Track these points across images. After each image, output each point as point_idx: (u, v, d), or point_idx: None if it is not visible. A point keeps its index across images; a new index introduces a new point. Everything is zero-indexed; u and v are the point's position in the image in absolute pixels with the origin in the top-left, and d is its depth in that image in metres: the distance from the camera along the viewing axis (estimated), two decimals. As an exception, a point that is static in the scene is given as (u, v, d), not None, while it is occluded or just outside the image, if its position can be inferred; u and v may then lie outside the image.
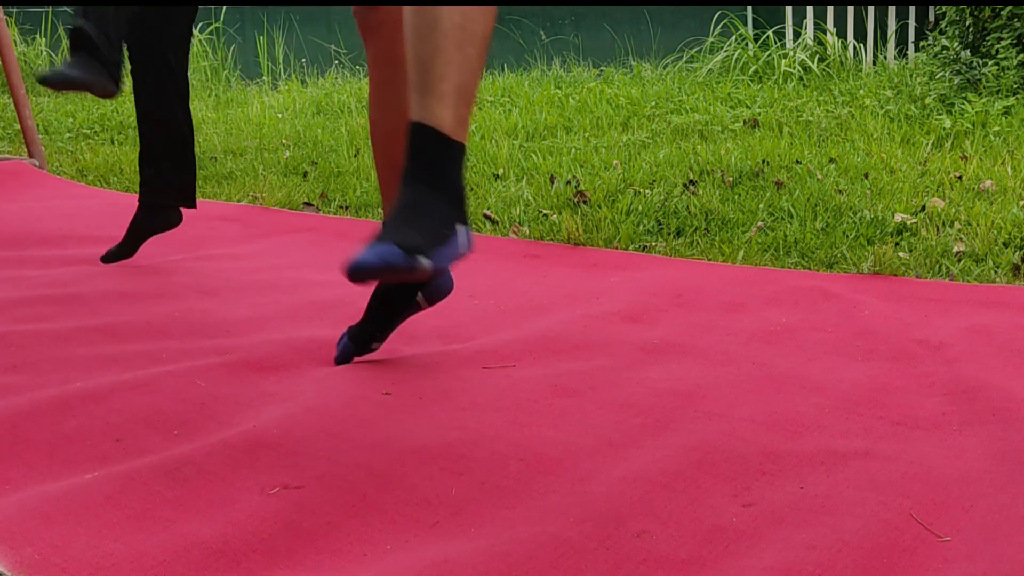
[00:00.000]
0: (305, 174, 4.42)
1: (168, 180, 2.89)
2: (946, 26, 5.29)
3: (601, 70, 6.82)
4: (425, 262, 1.42)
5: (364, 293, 2.63)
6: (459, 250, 1.55)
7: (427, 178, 1.50)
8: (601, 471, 1.54)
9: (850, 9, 6.53)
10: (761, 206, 3.31)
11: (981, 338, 2.12)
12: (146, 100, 2.82)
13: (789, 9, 6.39)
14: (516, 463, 1.56)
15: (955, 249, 2.78)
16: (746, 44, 6.18)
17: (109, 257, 2.90)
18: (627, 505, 1.43)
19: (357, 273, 1.38)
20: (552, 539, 1.33)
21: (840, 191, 3.41)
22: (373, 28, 1.93)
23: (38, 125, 5.61)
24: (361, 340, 2.04)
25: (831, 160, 3.91)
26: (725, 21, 6.49)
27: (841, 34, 6.40)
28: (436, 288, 2.03)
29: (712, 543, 1.34)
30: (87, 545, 1.31)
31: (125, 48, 2.68)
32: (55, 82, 2.42)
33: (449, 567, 1.26)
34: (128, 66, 2.76)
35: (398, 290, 2.00)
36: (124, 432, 1.69)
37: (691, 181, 3.71)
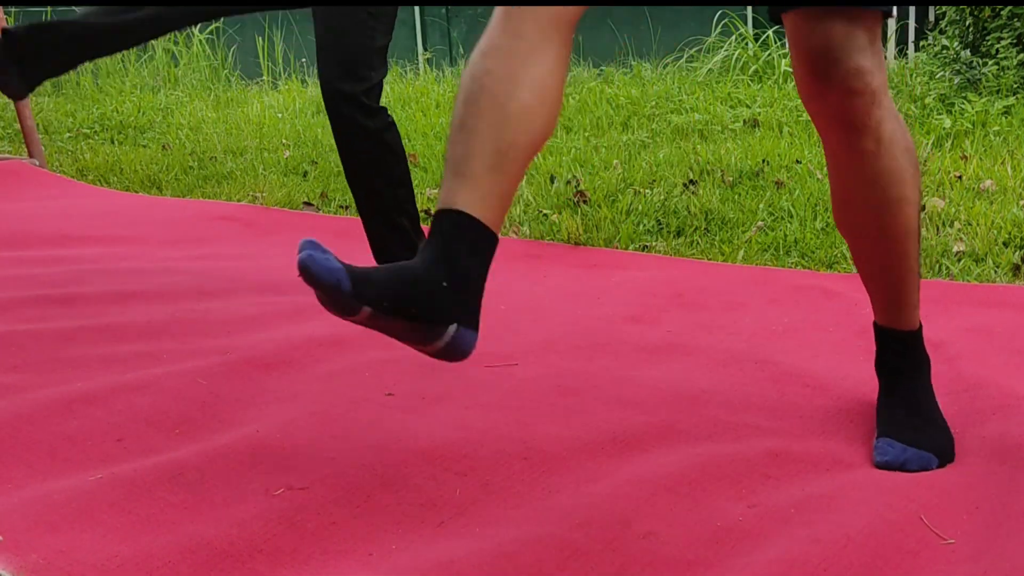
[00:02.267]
0: (305, 174, 4.42)
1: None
2: (946, 26, 5.29)
3: (601, 70, 6.82)
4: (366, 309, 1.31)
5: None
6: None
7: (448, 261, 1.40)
8: (606, 472, 1.54)
9: (849, 9, 6.52)
10: (761, 206, 3.31)
11: (981, 337, 2.12)
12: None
13: (789, 9, 6.38)
14: (520, 463, 1.56)
15: (955, 249, 2.78)
16: (746, 44, 6.18)
17: None
18: (632, 506, 1.43)
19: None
20: (557, 541, 1.33)
21: (840, 191, 3.41)
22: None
23: (38, 125, 5.61)
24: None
25: (831, 160, 3.91)
26: (725, 21, 6.49)
27: (840, 34, 6.39)
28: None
29: (718, 544, 1.34)
30: (92, 549, 1.31)
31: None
32: None
33: (455, 568, 1.25)
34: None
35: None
36: (126, 432, 1.69)
37: (691, 181, 3.71)
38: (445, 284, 1.37)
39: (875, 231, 1.62)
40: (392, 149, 2.44)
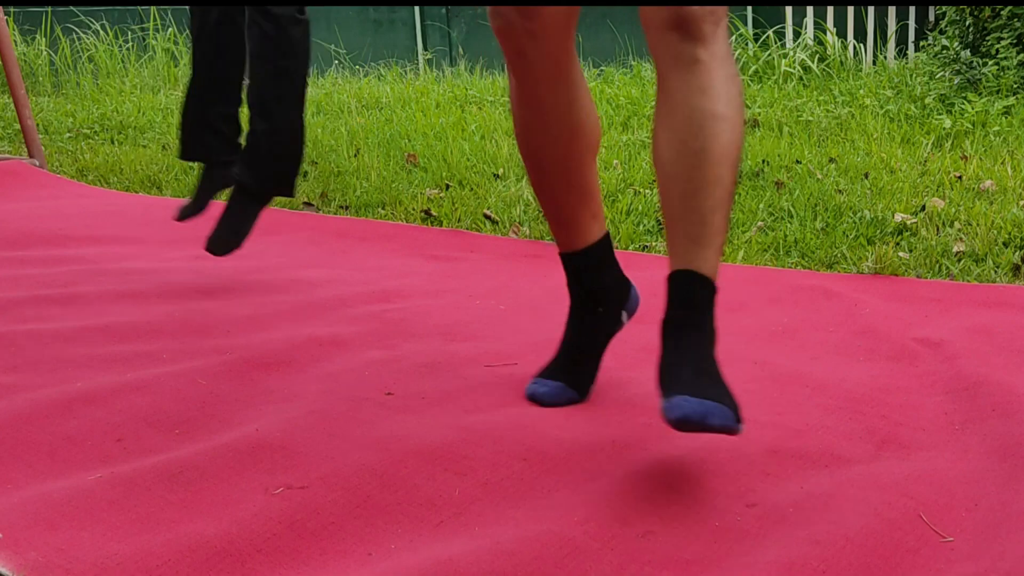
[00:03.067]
0: (305, 174, 4.42)
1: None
2: (946, 26, 5.29)
3: (601, 70, 6.82)
4: (741, 427, 1.44)
5: (364, 292, 2.63)
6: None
7: (705, 329, 1.54)
8: (605, 471, 1.54)
9: (850, 9, 6.53)
10: (761, 206, 3.31)
11: (981, 337, 2.12)
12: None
13: (789, 9, 6.39)
14: (519, 463, 1.56)
15: (955, 249, 2.78)
16: (746, 44, 6.18)
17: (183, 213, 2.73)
18: (631, 505, 1.43)
19: (683, 425, 1.41)
20: (557, 539, 1.33)
21: (840, 191, 3.41)
22: (533, 35, 1.63)
23: (38, 125, 5.61)
24: (582, 391, 1.84)
25: (831, 160, 3.91)
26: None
27: (841, 34, 6.40)
28: (633, 300, 1.92)
29: (717, 543, 1.34)
30: (91, 547, 1.31)
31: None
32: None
33: (454, 567, 1.25)
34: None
35: (601, 324, 1.88)
36: (126, 432, 1.69)
37: (691, 181, 3.71)
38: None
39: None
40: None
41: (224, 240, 2.60)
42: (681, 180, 1.52)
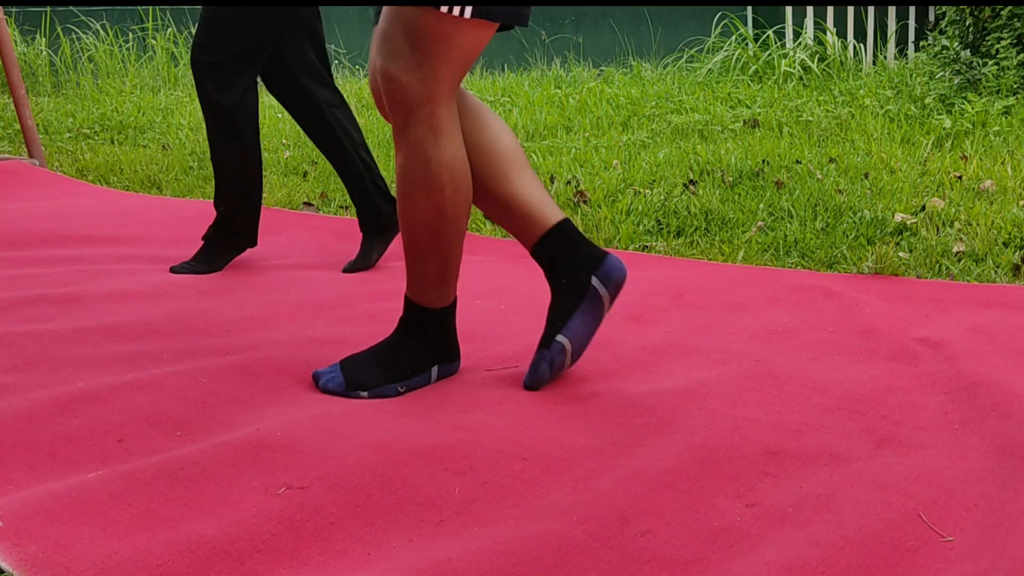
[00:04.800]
0: (305, 174, 4.42)
1: None
2: (946, 26, 5.29)
3: (601, 70, 6.82)
4: (363, 394, 1.86)
5: (364, 292, 2.63)
6: (431, 380, 1.92)
7: (413, 334, 1.91)
8: (604, 470, 1.54)
9: (850, 9, 6.53)
10: (761, 206, 3.31)
11: (981, 337, 2.12)
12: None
13: (789, 9, 6.39)
14: (519, 462, 1.56)
15: (955, 249, 2.78)
16: (746, 44, 6.18)
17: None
18: (631, 504, 1.43)
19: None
20: (556, 538, 1.33)
21: (840, 191, 3.41)
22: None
23: (38, 125, 5.61)
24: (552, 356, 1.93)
25: (831, 160, 3.91)
26: (725, 21, 6.49)
27: (841, 34, 6.40)
28: (609, 271, 1.94)
29: (716, 543, 1.34)
30: (91, 544, 1.31)
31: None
32: None
33: (453, 566, 1.26)
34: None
35: (567, 286, 1.94)
36: (126, 432, 1.69)
37: (691, 181, 3.71)
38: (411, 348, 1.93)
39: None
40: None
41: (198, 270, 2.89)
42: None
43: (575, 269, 1.91)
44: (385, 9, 1.76)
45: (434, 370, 1.92)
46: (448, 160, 1.77)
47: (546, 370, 1.89)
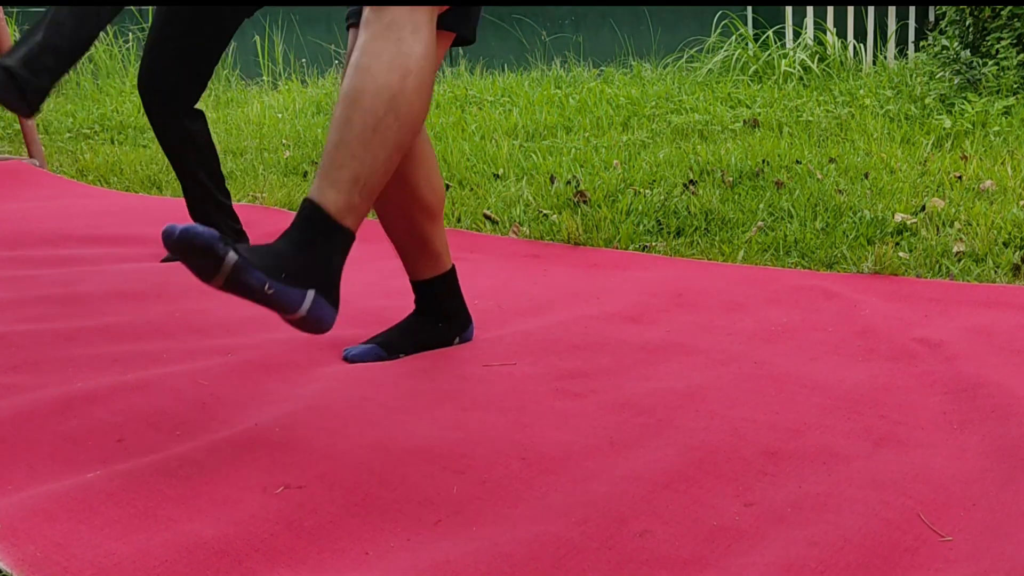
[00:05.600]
0: (305, 174, 4.42)
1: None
2: (946, 26, 5.29)
3: (601, 70, 6.82)
4: (232, 256, 1.48)
5: (364, 292, 2.63)
6: (292, 305, 1.61)
7: (300, 245, 1.62)
8: (603, 471, 1.54)
9: (850, 9, 6.53)
10: (761, 206, 3.31)
11: (981, 337, 2.12)
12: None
13: (789, 9, 6.39)
14: (517, 462, 1.56)
15: (955, 249, 2.78)
16: (746, 44, 6.18)
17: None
18: (629, 505, 1.43)
19: (169, 236, 1.46)
20: (554, 539, 1.33)
21: (840, 191, 3.41)
22: None
23: (38, 125, 5.61)
24: (391, 351, 2.11)
25: (831, 160, 3.91)
26: (725, 21, 6.49)
27: (841, 34, 6.40)
28: (468, 337, 2.20)
29: (714, 543, 1.34)
30: (89, 543, 1.31)
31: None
32: None
33: (451, 567, 1.26)
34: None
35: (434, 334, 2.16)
36: (126, 432, 1.69)
37: (691, 181, 3.71)
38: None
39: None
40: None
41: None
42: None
43: (454, 321, 2.16)
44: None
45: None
46: (420, 54, 1.67)
47: (371, 358, 2.06)
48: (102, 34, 7.89)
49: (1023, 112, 4.45)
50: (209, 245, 1.45)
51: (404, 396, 1.85)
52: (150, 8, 8.05)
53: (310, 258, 1.60)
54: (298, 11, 8.03)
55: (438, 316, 2.14)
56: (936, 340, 2.11)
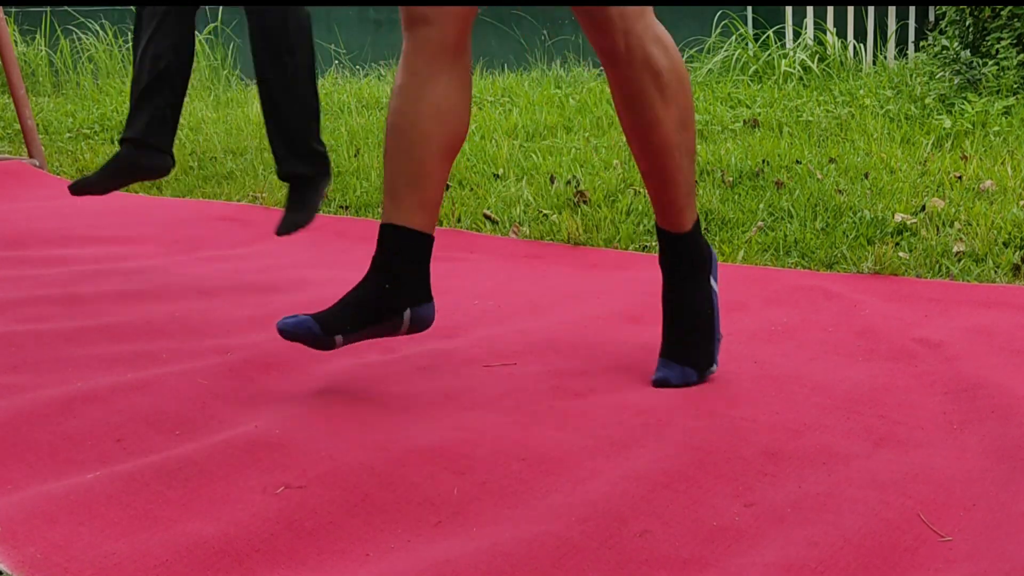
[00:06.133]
0: (305, 174, 4.42)
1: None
2: (946, 26, 5.29)
3: (601, 70, 6.82)
4: (335, 343, 1.80)
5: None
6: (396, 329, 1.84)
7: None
8: (603, 471, 1.54)
9: (850, 9, 6.53)
10: (761, 206, 3.31)
11: (981, 337, 2.12)
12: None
13: (789, 9, 6.39)
14: (518, 463, 1.56)
15: (955, 249, 2.78)
16: (746, 44, 6.18)
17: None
18: (629, 504, 1.43)
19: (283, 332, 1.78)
20: (554, 538, 1.33)
21: (840, 191, 3.41)
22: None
23: (38, 125, 5.61)
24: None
25: (831, 160, 3.91)
26: (725, 21, 6.49)
27: (841, 34, 6.40)
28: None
29: (714, 543, 1.34)
30: (89, 544, 1.31)
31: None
32: (96, 185, 2.56)
33: (451, 567, 1.26)
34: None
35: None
36: (125, 432, 1.69)
37: (691, 181, 3.71)
38: (387, 286, 1.81)
39: (637, 145, 1.85)
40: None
41: (292, 221, 2.64)
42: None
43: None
44: None
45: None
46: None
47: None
48: (102, 34, 7.89)
49: (1023, 112, 4.45)
50: (312, 338, 1.76)
51: (404, 396, 1.85)
52: (150, 8, 8.04)
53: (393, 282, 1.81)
54: (298, 11, 8.00)
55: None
56: (936, 340, 2.11)
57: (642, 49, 1.75)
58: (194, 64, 2.69)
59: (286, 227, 2.63)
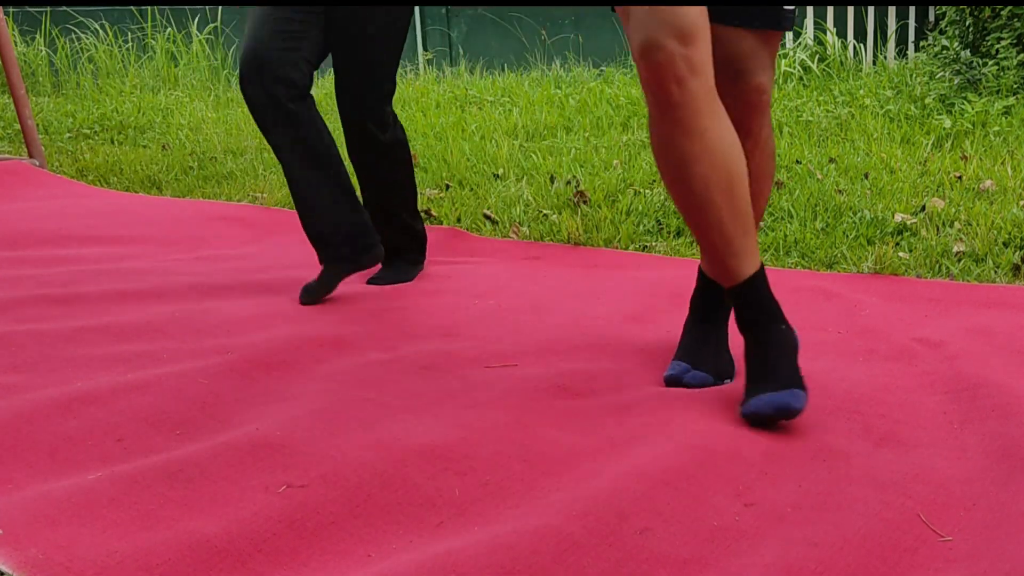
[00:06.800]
0: (305, 174, 4.42)
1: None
2: (946, 26, 5.29)
3: (601, 70, 6.82)
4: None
5: (364, 292, 2.63)
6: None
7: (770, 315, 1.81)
8: (604, 470, 1.54)
9: (850, 9, 6.53)
10: (761, 206, 3.31)
11: (981, 337, 2.12)
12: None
13: (789, 9, 6.38)
14: (519, 463, 1.56)
15: (955, 249, 2.78)
16: (746, 44, 6.17)
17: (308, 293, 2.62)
18: (630, 502, 1.43)
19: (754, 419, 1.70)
20: (555, 534, 1.33)
21: (840, 191, 3.41)
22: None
23: (38, 125, 5.61)
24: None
25: (831, 160, 3.91)
26: (725, 21, 6.48)
27: (841, 34, 6.40)
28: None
29: (714, 542, 1.35)
30: (91, 545, 1.31)
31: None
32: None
33: (454, 567, 1.26)
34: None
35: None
36: (126, 432, 1.69)
37: (691, 181, 3.71)
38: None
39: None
40: (400, 156, 2.74)
41: (317, 293, 2.60)
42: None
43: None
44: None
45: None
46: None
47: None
48: (102, 34, 7.88)
49: (1023, 112, 4.45)
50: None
51: (405, 396, 1.85)
52: (149, 9, 8.06)
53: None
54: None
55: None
56: (936, 340, 2.11)
57: (769, 132, 1.93)
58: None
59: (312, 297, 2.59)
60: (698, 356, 1.95)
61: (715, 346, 1.97)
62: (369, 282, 2.76)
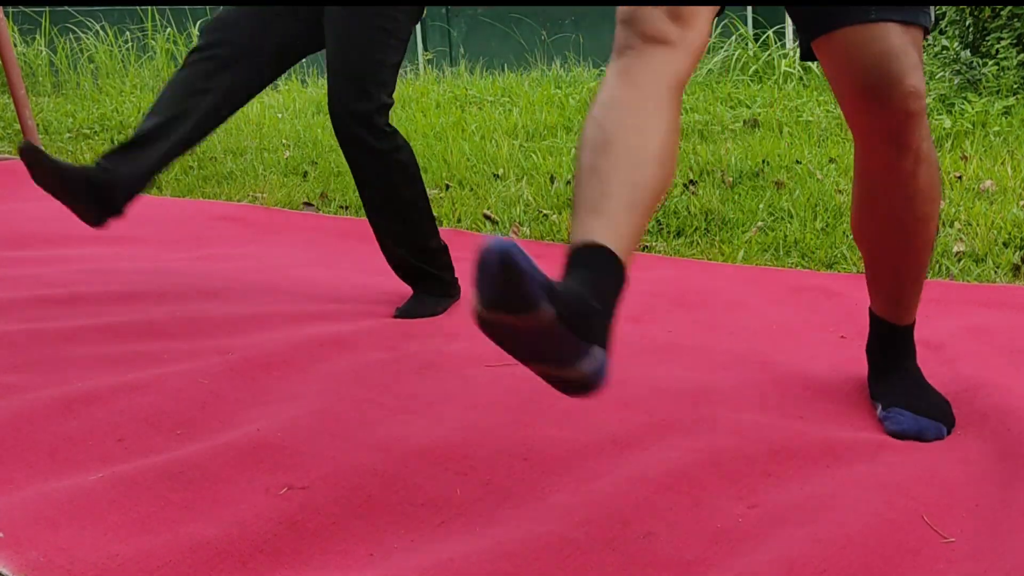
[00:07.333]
0: (305, 174, 4.42)
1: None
2: (946, 26, 5.29)
3: (601, 70, 6.82)
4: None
5: (364, 293, 2.63)
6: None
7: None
8: (606, 471, 1.54)
9: (849, 9, 6.52)
10: (761, 206, 3.31)
11: (981, 338, 2.12)
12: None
13: (789, 9, 6.38)
14: (520, 463, 1.56)
15: (955, 249, 2.78)
16: (746, 44, 6.18)
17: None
18: (632, 506, 1.42)
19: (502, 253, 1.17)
20: (558, 539, 1.33)
21: (840, 191, 3.41)
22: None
23: (38, 125, 5.60)
24: None
25: (831, 160, 3.91)
26: (725, 21, 6.48)
27: (840, 34, 6.40)
28: None
29: (717, 544, 1.34)
30: (92, 547, 1.31)
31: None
32: (40, 166, 2.37)
33: (455, 568, 1.26)
34: None
35: None
36: (126, 432, 1.69)
37: (691, 181, 3.71)
38: (599, 308, 1.38)
39: (898, 243, 1.69)
40: (402, 170, 2.40)
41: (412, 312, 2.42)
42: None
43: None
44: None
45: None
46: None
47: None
48: (102, 34, 7.88)
49: (1023, 112, 4.45)
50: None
51: (406, 397, 1.85)
52: (150, 8, 8.05)
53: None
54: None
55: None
56: (936, 340, 2.11)
57: (929, 145, 1.68)
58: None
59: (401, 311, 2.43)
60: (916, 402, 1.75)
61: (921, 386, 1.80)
62: (396, 315, 2.42)
